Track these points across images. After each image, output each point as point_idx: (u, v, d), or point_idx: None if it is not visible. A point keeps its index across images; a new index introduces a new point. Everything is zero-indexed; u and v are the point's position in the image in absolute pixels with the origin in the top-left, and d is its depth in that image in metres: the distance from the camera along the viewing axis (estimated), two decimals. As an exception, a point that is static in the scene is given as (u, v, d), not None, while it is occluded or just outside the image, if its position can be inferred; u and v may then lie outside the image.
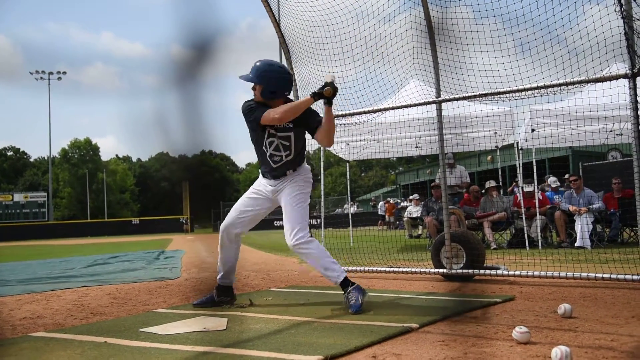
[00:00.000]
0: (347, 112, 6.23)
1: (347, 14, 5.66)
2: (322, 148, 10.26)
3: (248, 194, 4.46)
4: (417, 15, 5.53)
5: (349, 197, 15.65)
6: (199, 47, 1.66)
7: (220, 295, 4.44)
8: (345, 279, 4.11)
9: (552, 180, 12.85)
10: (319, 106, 4.22)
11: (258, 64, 4.27)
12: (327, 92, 3.95)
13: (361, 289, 4.06)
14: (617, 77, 4.64)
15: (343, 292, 4.08)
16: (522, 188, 9.95)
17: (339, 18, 5.73)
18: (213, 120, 1.70)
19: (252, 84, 4.26)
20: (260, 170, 4.53)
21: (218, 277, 4.45)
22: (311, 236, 4.29)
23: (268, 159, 4.31)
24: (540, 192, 10.57)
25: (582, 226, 9.11)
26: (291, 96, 4.50)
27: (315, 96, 3.98)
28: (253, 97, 4.31)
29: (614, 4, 4.42)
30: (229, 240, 4.37)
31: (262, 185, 4.44)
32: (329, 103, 4.03)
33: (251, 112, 4.22)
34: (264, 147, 4.29)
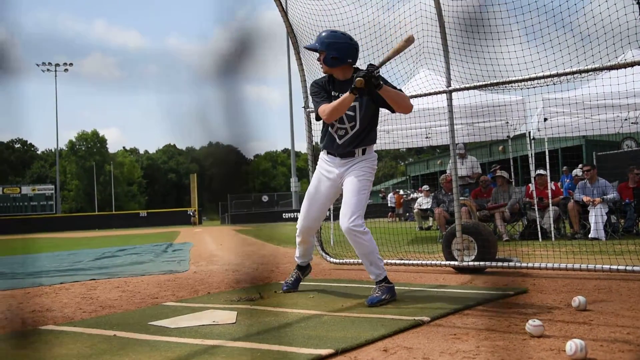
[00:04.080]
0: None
1: (355, 2, 5.59)
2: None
3: (315, 184, 4.43)
4: (426, 2, 5.45)
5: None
6: (241, 41, 1.63)
7: (304, 273, 4.84)
8: (386, 277, 4.10)
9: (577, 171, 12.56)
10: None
11: (323, 33, 4.28)
12: (358, 83, 3.83)
13: (393, 290, 4.05)
14: (632, 64, 4.52)
15: (376, 284, 4.07)
16: (534, 178, 9.83)
17: (347, 7, 5.66)
18: (252, 113, 1.66)
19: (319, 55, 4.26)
20: (323, 149, 4.42)
21: (299, 261, 4.78)
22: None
23: (333, 133, 4.26)
24: (553, 182, 10.44)
25: (596, 217, 9.00)
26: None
27: (353, 90, 3.90)
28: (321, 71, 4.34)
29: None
30: (310, 236, 4.64)
31: (326, 168, 4.37)
32: (375, 87, 3.89)
33: (313, 98, 4.25)
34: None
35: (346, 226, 4.08)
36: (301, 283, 4.79)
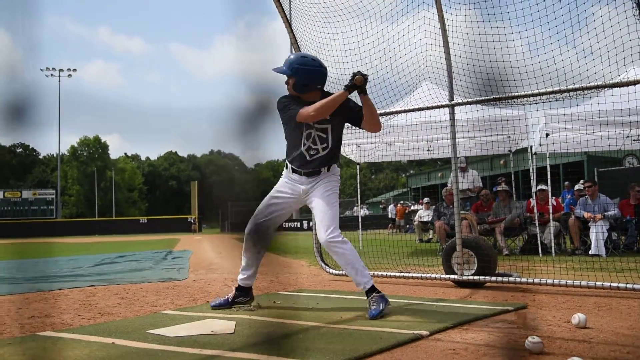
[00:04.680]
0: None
1: (359, 15, 5.62)
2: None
3: (273, 195, 4.39)
4: (429, 17, 5.48)
5: (359, 200, 15.55)
6: (261, 100, 1.70)
7: (242, 296, 4.44)
8: (373, 286, 4.10)
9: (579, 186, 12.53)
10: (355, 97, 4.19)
11: (292, 57, 4.28)
12: (358, 81, 3.90)
13: (385, 298, 4.04)
14: (635, 83, 4.53)
15: (366, 297, 4.06)
16: (536, 193, 9.82)
17: (348, 20, 5.69)
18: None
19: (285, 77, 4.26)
20: (288, 166, 4.40)
21: (239, 278, 4.46)
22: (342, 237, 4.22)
23: (304, 151, 4.26)
24: (554, 198, 10.44)
25: (597, 234, 8.98)
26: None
27: (349, 88, 3.95)
28: (287, 91, 4.32)
29: (632, 7, 4.34)
30: (254, 244, 4.43)
31: (289, 184, 4.36)
32: (363, 92, 4.00)
33: (286, 109, 4.21)
34: (301, 140, 4.24)
35: (325, 239, 4.12)
36: (300, 294, 4.76)
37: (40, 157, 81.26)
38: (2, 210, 45.36)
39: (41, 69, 51.39)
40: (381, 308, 3.94)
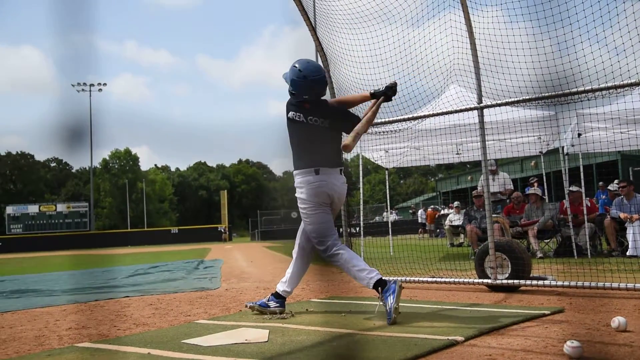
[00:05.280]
0: (386, 119, 6.16)
1: (384, 20, 5.62)
2: (360, 155, 10.20)
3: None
4: (455, 20, 5.44)
5: (388, 205, 15.49)
6: None
7: (275, 305, 4.50)
8: (377, 281, 4.00)
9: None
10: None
11: (296, 64, 4.38)
12: (388, 98, 4.39)
13: (393, 288, 3.88)
14: (670, 79, 4.43)
15: (378, 293, 4.01)
16: (568, 195, 9.64)
17: (374, 26, 5.69)
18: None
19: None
20: None
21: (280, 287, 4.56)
22: (337, 246, 4.21)
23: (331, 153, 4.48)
24: (588, 198, 10.23)
25: (635, 235, 8.77)
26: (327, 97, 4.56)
27: (379, 96, 4.32)
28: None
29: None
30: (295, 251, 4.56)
31: (327, 188, 4.44)
32: (388, 100, 4.37)
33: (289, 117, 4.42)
34: None
35: (322, 256, 4.27)
36: (332, 300, 4.75)
37: (73, 170, 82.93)
38: (38, 223, 46.38)
39: (72, 85, 52.49)
40: (390, 305, 3.83)
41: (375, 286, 4.00)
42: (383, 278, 4.04)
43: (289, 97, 4.41)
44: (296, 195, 4.31)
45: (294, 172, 4.32)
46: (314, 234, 4.24)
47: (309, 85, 4.29)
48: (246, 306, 4.63)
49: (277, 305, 4.47)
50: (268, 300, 4.51)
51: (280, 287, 4.52)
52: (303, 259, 4.49)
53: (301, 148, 4.34)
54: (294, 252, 4.54)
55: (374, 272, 4.07)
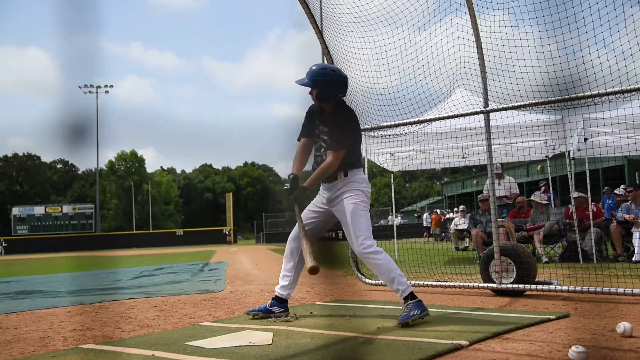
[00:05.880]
0: (392, 122, 6.16)
1: (391, 24, 5.61)
2: (366, 159, 10.20)
3: (310, 206, 4.52)
4: (461, 23, 5.43)
5: (394, 209, 15.48)
6: None
7: (278, 309, 4.46)
8: (411, 293, 4.08)
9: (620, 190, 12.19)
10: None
11: (314, 68, 4.36)
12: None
13: (421, 305, 4.01)
14: (676, 84, 4.41)
15: (404, 302, 4.05)
16: (573, 198, 9.60)
17: (380, 30, 5.68)
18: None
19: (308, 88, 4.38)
20: None
21: (277, 287, 4.52)
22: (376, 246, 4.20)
23: (314, 162, 4.44)
24: (594, 203, 10.18)
25: (642, 240, 8.72)
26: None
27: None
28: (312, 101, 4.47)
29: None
30: (291, 253, 4.48)
31: (319, 196, 4.48)
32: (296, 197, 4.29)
33: (303, 123, 4.55)
34: (313, 152, 4.46)
35: (359, 251, 4.16)
36: (337, 304, 4.74)
37: (79, 172, 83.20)
38: (44, 225, 46.56)
39: (79, 86, 52.67)
40: (411, 313, 3.91)
41: (408, 297, 4.06)
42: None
43: (318, 100, 4.39)
44: (352, 189, 4.27)
45: (354, 170, 4.33)
46: (364, 231, 4.16)
47: (344, 84, 4.42)
48: (247, 313, 4.55)
49: (282, 310, 4.46)
50: (270, 306, 4.48)
51: (283, 292, 4.49)
52: (300, 259, 4.46)
53: (357, 148, 4.43)
54: (293, 254, 4.48)
55: (408, 283, 4.17)
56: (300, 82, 4.33)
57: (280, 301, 4.48)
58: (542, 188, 11.05)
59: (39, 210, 48.03)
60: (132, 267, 13.21)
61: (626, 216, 9.16)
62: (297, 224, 4.31)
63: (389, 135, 6.91)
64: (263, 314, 4.43)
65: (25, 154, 77.31)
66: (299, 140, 4.52)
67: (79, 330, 4.23)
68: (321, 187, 4.44)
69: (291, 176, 4.30)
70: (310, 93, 4.38)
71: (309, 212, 4.48)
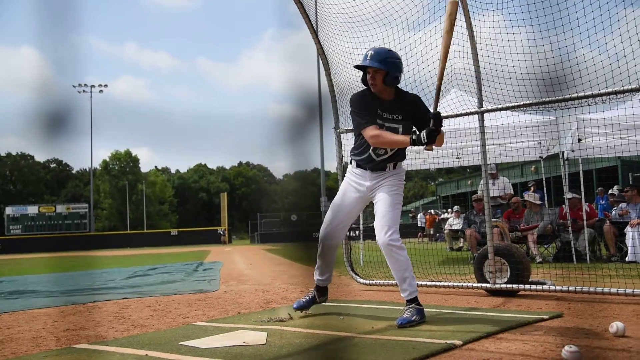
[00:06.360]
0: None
1: (385, 24, 5.62)
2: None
3: (339, 199, 4.39)
4: (456, 24, 5.42)
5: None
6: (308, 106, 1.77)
7: (321, 296, 4.62)
8: (416, 297, 4.09)
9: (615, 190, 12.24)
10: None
11: (378, 50, 4.18)
12: (429, 148, 4.01)
13: (423, 312, 4.03)
14: (670, 85, 4.43)
15: (405, 305, 4.07)
16: (567, 199, 9.64)
17: (375, 30, 5.69)
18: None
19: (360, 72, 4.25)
20: (353, 162, 4.42)
21: (316, 279, 4.59)
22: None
23: (372, 153, 4.25)
24: (587, 204, 10.23)
25: (634, 240, 8.76)
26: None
27: (415, 143, 3.94)
28: (365, 86, 4.26)
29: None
30: (330, 248, 4.43)
31: (354, 182, 4.36)
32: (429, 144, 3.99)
33: (355, 115, 4.19)
34: (369, 143, 4.20)
35: (383, 240, 4.06)
36: (331, 304, 4.76)
37: (73, 172, 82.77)
38: (38, 224, 46.32)
39: (73, 86, 52.43)
40: (412, 318, 3.92)
41: (412, 300, 4.07)
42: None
43: (385, 82, 4.14)
44: (397, 182, 4.28)
45: (400, 164, 4.36)
46: (396, 224, 4.13)
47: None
48: (295, 310, 4.57)
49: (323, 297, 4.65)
50: (314, 296, 4.59)
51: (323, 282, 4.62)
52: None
53: None
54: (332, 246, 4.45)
55: (416, 288, 4.17)
56: (369, 63, 4.07)
57: (318, 290, 4.63)
58: (532, 188, 11.08)
59: (32, 209, 47.74)
60: (126, 267, 13.17)
61: (620, 212, 9.20)
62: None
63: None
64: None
65: (19, 153, 77.03)
66: (366, 127, 4.10)
67: (72, 330, 4.22)
68: (360, 173, 4.31)
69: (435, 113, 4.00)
70: (370, 77, 4.13)
71: (346, 206, 4.35)
